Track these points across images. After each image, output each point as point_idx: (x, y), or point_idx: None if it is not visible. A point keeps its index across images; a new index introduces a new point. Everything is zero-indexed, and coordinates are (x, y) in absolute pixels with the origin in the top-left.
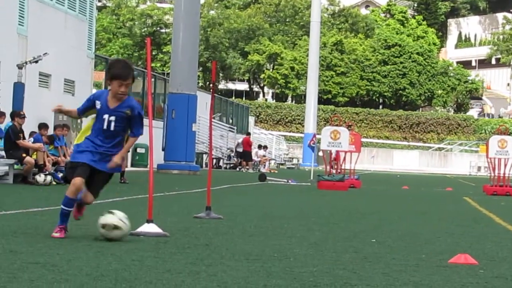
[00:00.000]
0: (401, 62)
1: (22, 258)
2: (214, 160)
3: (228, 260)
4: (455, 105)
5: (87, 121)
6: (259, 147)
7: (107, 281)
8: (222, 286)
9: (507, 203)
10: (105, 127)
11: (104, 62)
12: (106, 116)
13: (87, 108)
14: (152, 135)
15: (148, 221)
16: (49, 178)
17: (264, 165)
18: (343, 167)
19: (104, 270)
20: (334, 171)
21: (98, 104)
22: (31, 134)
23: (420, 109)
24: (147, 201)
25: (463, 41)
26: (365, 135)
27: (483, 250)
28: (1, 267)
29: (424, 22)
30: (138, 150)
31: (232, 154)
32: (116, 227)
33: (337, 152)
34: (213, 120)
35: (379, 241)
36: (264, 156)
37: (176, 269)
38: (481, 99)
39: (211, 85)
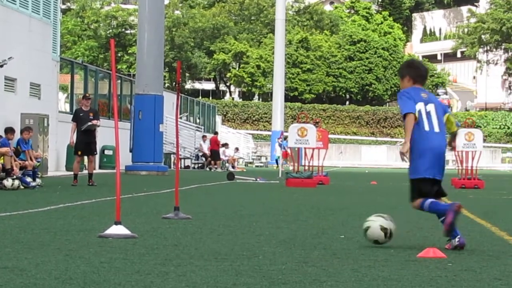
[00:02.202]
0: (367, 58)
1: None
2: (182, 160)
3: (197, 260)
4: None
5: None
6: (224, 145)
7: (76, 284)
8: (191, 286)
9: (475, 196)
10: None
11: (69, 64)
12: None
13: None
14: (118, 136)
15: (116, 223)
16: (16, 182)
17: (233, 165)
18: (311, 164)
19: (73, 273)
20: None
21: None
22: None
23: (387, 104)
24: (115, 202)
25: (428, 35)
26: (333, 131)
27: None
28: None
29: (390, 18)
30: (106, 152)
31: (200, 154)
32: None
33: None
34: (180, 120)
35: (347, 237)
36: (232, 156)
37: (145, 270)
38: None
39: (176, 85)
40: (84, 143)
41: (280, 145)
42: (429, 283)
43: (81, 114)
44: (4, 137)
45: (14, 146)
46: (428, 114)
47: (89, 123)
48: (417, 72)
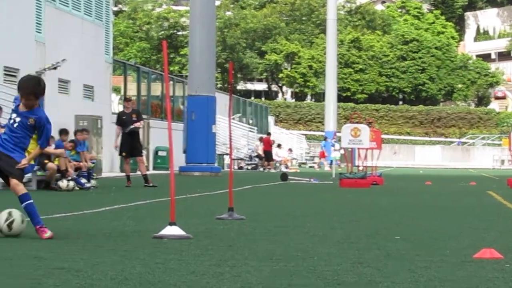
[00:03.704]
0: (420, 57)
1: (47, 263)
2: (236, 161)
3: (252, 261)
4: (476, 99)
5: None
6: (277, 146)
7: (132, 284)
8: (246, 287)
9: None
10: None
11: (122, 66)
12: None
13: None
14: (172, 137)
15: (171, 224)
16: (71, 183)
17: (286, 166)
18: (364, 164)
19: (128, 274)
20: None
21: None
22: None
23: (441, 104)
24: (170, 204)
25: (482, 34)
26: (386, 131)
27: (508, 244)
28: (26, 273)
29: (442, 17)
30: (160, 153)
31: (253, 155)
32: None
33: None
34: (232, 121)
35: (402, 238)
36: (286, 157)
37: (200, 271)
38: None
39: (229, 86)
40: (128, 145)
41: (332, 145)
42: (485, 284)
43: (123, 117)
44: (58, 139)
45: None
46: None
47: (132, 126)
48: None
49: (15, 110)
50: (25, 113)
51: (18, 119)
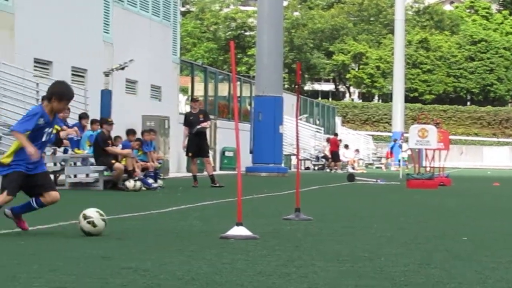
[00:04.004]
0: (488, 58)
1: (114, 263)
2: (302, 162)
3: (319, 261)
4: None
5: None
6: (346, 147)
7: (198, 285)
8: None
9: None
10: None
11: (189, 66)
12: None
13: None
14: (239, 138)
15: (238, 224)
16: (138, 183)
17: (353, 167)
18: (432, 165)
19: (195, 274)
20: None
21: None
22: (116, 138)
23: (509, 104)
24: (236, 204)
25: None
26: (454, 132)
27: None
28: (94, 273)
29: (511, 17)
30: (226, 153)
31: (320, 155)
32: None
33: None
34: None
35: (470, 239)
36: (353, 158)
37: (267, 271)
38: None
39: (296, 86)
40: (195, 145)
41: (400, 146)
42: None
43: (190, 118)
44: (126, 139)
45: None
46: None
47: (199, 126)
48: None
49: (48, 123)
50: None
51: (50, 130)
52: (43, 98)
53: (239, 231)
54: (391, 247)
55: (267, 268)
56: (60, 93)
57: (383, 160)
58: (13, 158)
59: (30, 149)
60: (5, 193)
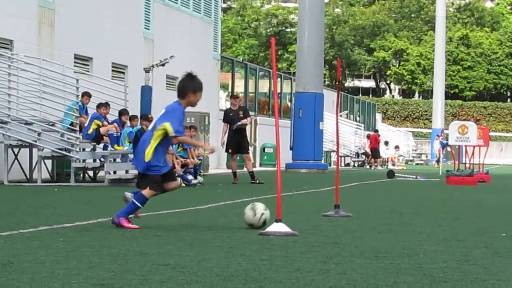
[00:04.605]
0: None
1: (153, 260)
2: (342, 158)
3: (357, 258)
4: None
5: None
6: (385, 143)
7: (237, 281)
8: (352, 284)
9: None
10: None
11: (230, 63)
12: None
13: None
14: (279, 134)
15: (277, 221)
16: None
17: (393, 163)
18: (472, 162)
19: (234, 271)
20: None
21: None
22: None
23: None
24: (276, 200)
25: None
26: (494, 129)
27: None
28: (132, 269)
29: None
30: (266, 150)
31: (361, 152)
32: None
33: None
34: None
35: (509, 235)
36: (393, 154)
37: (306, 267)
38: None
39: (337, 83)
40: (235, 142)
41: (440, 143)
42: None
43: (230, 114)
44: None
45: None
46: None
47: (239, 123)
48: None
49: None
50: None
51: None
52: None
53: (279, 227)
54: (430, 243)
55: (306, 265)
56: (194, 86)
57: (424, 157)
58: (154, 157)
59: (206, 145)
60: (148, 188)
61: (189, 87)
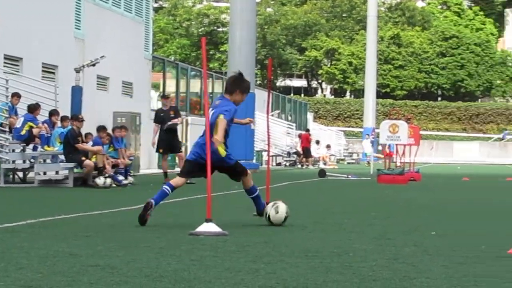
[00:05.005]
0: (459, 54)
1: (82, 261)
2: (274, 158)
3: (287, 257)
4: None
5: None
6: (317, 142)
7: (167, 281)
8: (281, 283)
9: None
10: None
11: (161, 63)
12: None
13: None
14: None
15: (207, 220)
16: (109, 180)
17: (325, 162)
18: (402, 161)
19: (164, 271)
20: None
21: None
22: (86, 135)
23: (479, 100)
24: (206, 200)
25: None
26: (425, 127)
27: None
28: (61, 271)
29: (481, 13)
30: None
31: (292, 151)
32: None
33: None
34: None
35: (439, 234)
36: (324, 154)
37: (235, 267)
38: None
39: (268, 82)
40: (166, 142)
41: (371, 142)
42: None
43: (161, 114)
44: (96, 136)
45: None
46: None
47: (169, 123)
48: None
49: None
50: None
51: None
52: (226, 92)
53: (209, 227)
54: (360, 242)
55: (235, 264)
56: (243, 87)
57: (355, 156)
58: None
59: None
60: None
61: (238, 86)
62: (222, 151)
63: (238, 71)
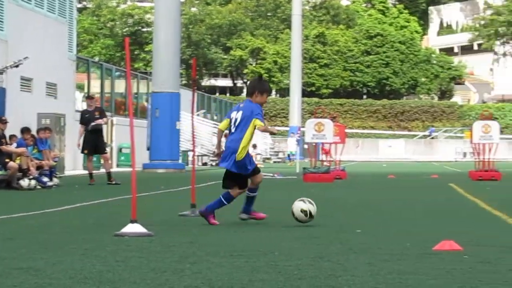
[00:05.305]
0: (384, 52)
1: (5, 263)
2: (200, 158)
3: (213, 257)
4: (439, 92)
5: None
6: None
7: (91, 283)
8: (207, 283)
9: (493, 188)
10: None
11: (85, 63)
12: None
13: None
14: (134, 134)
15: (132, 221)
16: (33, 182)
17: None
18: (328, 159)
19: (88, 273)
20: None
21: None
22: (10, 137)
23: (404, 97)
24: (132, 201)
25: (445, 28)
26: (350, 125)
27: (468, 236)
28: None
29: (406, 11)
30: (123, 150)
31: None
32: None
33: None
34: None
35: (364, 232)
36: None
37: (161, 268)
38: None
39: (192, 82)
40: (91, 143)
41: (297, 141)
42: (444, 276)
43: (86, 115)
44: (20, 137)
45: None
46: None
47: (93, 123)
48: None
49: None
50: None
51: None
52: (248, 94)
53: (134, 228)
54: (286, 241)
55: (161, 265)
56: (261, 88)
57: (281, 155)
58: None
59: (275, 130)
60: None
61: (256, 87)
62: (241, 155)
63: (258, 73)
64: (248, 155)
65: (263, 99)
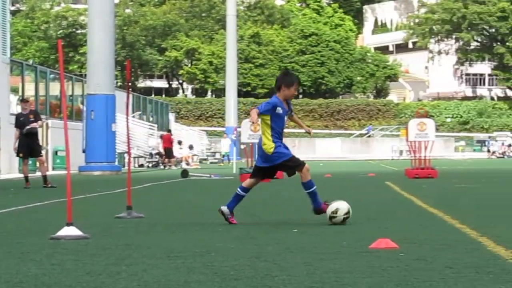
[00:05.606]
0: (319, 51)
1: None
2: (136, 159)
3: (149, 259)
4: (374, 91)
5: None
6: (179, 143)
7: (26, 287)
8: (143, 285)
9: (429, 186)
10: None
11: (19, 66)
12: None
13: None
14: (68, 137)
15: (68, 224)
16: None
17: (187, 163)
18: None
19: (24, 277)
20: None
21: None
22: None
23: (340, 96)
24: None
25: (380, 27)
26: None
27: (404, 234)
28: None
29: (340, 10)
30: (59, 153)
31: (154, 152)
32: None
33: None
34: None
35: (300, 231)
36: (187, 154)
37: (96, 270)
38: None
39: (126, 84)
40: (26, 146)
41: (233, 142)
42: (380, 274)
43: (21, 118)
44: None
45: None
46: None
47: (28, 126)
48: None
49: (284, 110)
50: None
51: (286, 117)
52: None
53: (70, 231)
54: (223, 241)
55: (96, 268)
56: (286, 81)
57: (218, 155)
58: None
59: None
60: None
61: (282, 81)
62: (268, 147)
63: (284, 68)
64: (279, 147)
65: (291, 92)
